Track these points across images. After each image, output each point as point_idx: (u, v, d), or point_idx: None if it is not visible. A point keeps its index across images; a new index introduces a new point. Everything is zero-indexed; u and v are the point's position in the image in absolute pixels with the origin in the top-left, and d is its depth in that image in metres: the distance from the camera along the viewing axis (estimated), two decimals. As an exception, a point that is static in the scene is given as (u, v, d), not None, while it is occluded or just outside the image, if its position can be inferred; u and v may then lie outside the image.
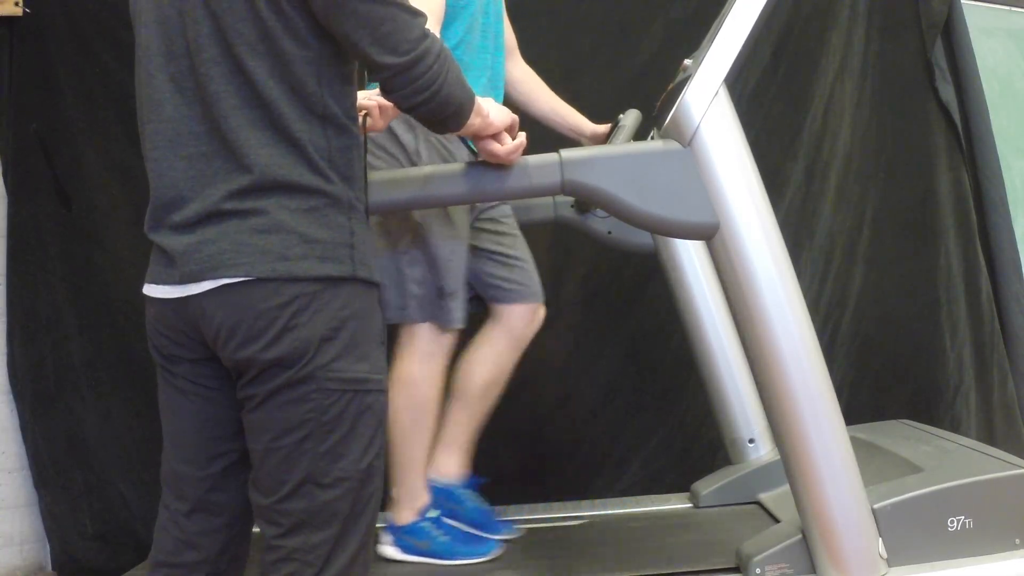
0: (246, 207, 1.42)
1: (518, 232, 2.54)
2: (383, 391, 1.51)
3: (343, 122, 1.49)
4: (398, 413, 2.32)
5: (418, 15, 1.47)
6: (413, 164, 2.26)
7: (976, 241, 3.37)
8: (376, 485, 1.51)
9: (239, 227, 1.41)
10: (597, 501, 2.88)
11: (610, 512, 2.63)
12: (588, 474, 3.23)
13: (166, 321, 1.50)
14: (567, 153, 1.87)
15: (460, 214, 2.35)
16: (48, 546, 3.18)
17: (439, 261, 2.32)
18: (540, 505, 2.82)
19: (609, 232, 2.75)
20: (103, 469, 3.15)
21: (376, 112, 1.78)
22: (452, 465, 2.49)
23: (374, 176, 1.87)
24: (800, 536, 2.06)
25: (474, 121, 1.63)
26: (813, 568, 2.04)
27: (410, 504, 2.40)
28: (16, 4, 3.09)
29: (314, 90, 1.45)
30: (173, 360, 1.53)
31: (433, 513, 2.41)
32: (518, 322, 2.49)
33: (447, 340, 2.37)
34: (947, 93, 3.36)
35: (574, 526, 2.64)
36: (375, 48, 1.43)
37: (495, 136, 1.74)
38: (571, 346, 3.25)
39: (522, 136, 1.79)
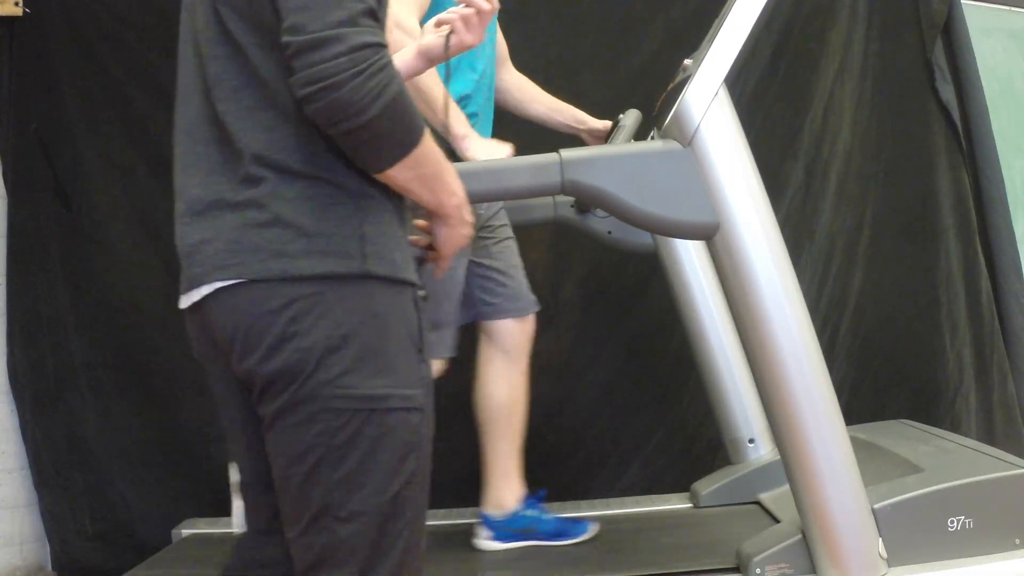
0: (241, 198, 1.25)
1: (511, 235, 2.53)
2: (414, 408, 1.29)
3: None
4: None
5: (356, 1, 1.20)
6: None
7: (976, 241, 3.37)
8: (408, 519, 1.31)
9: (234, 222, 1.25)
10: (597, 501, 2.88)
11: (610, 512, 2.63)
12: (588, 474, 3.23)
13: (191, 331, 1.41)
14: (567, 153, 1.87)
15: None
16: (48, 546, 3.18)
17: (436, 295, 2.29)
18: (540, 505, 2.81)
19: (609, 232, 2.75)
20: (103, 469, 3.14)
21: (461, 25, 1.49)
22: (509, 497, 2.51)
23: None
24: (800, 536, 2.06)
25: (420, 172, 1.28)
26: (813, 568, 2.04)
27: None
28: (16, 4, 3.09)
29: None
30: (208, 364, 1.42)
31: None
32: (508, 338, 2.50)
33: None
34: (947, 93, 3.36)
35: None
36: (286, 16, 1.19)
37: (443, 211, 1.37)
38: (571, 346, 3.24)
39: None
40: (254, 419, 1.32)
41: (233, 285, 1.25)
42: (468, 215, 1.40)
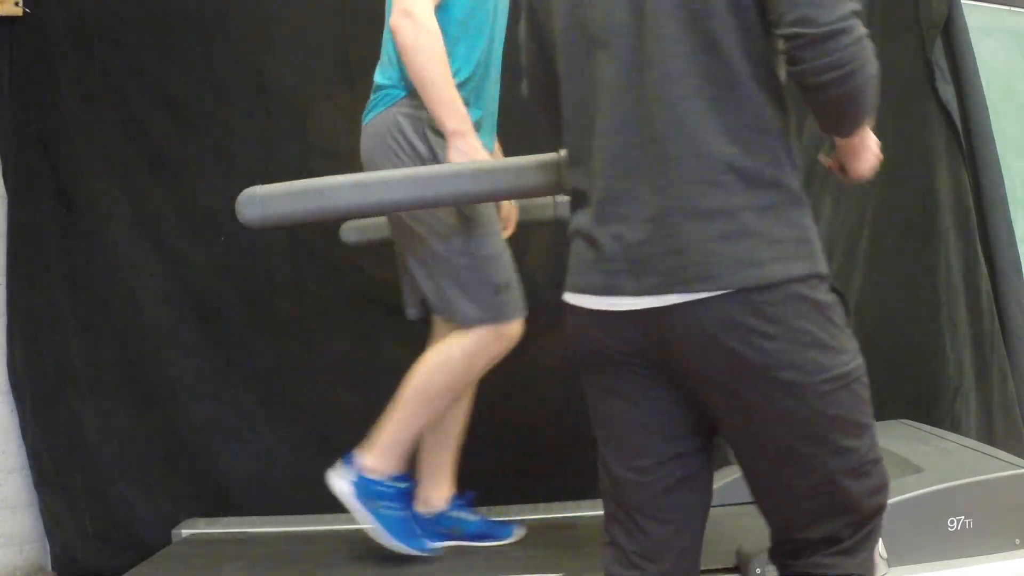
0: (707, 207, 1.30)
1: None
2: (863, 373, 1.40)
3: (785, 97, 1.36)
4: (422, 382, 2.32)
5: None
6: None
7: (976, 241, 3.37)
8: None
9: (702, 232, 1.29)
10: (597, 501, 2.87)
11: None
12: (588, 474, 3.21)
13: (613, 330, 1.40)
14: (567, 153, 1.87)
15: (487, 207, 2.33)
16: (48, 546, 3.18)
17: (487, 259, 2.30)
18: (540, 505, 2.82)
19: (609, 232, 2.75)
20: (103, 469, 3.14)
21: None
22: (438, 496, 2.52)
23: (373, 175, 1.87)
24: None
25: (862, 135, 1.44)
26: (813, 568, 2.04)
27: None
28: (16, 4, 3.09)
29: (771, 62, 1.32)
30: (619, 364, 1.43)
31: (388, 482, 2.40)
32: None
33: (507, 337, 2.35)
34: (947, 93, 3.35)
35: (574, 526, 2.64)
36: (790, 10, 1.25)
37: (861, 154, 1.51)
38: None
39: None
40: (675, 414, 1.43)
41: (715, 296, 1.30)
42: (875, 146, 1.52)
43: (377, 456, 2.38)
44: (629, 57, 1.34)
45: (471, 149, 2.19)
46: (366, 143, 2.36)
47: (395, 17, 2.18)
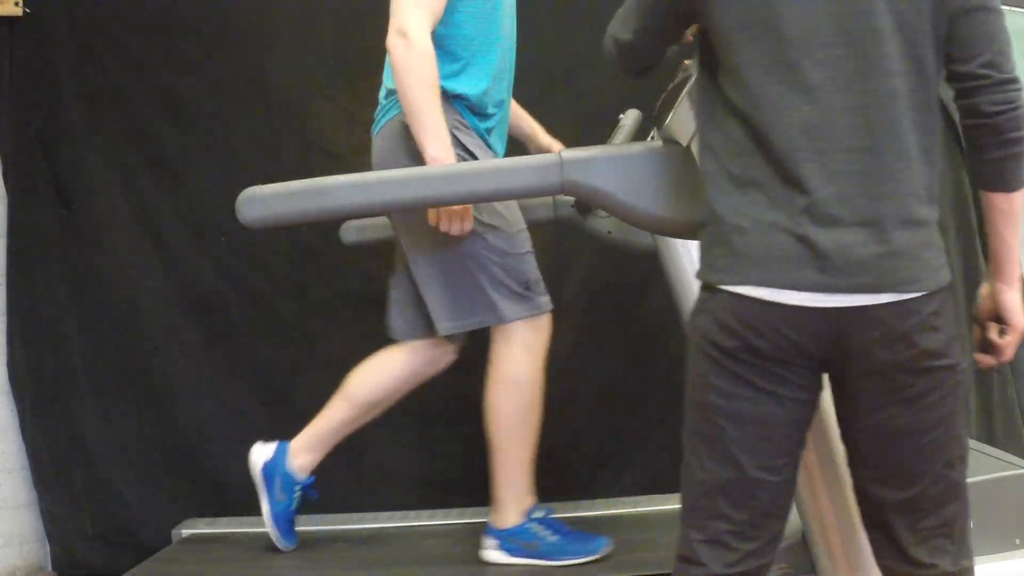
0: (917, 218, 1.46)
1: (523, 226, 2.54)
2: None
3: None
4: (503, 415, 2.34)
5: None
6: None
7: (976, 241, 3.36)
8: None
9: (919, 239, 1.46)
10: (597, 501, 2.88)
11: (610, 512, 2.63)
12: (588, 474, 3.23)
13: (802, 326, 1.46)
14: (567, 153, 1.87)
15: (511, 206, 2.36)
16: (48, 546, 3.18)
17: (513, 255, 2.32)
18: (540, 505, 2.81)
19: (609, 232, 2.75)
20: (103, 469, 3.15)
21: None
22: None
23: (372, 175, 1.87)
24: (800, 536, 2.06)
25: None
26: (813, 568, 2.04)
27: (516, 506, 2.40)
28: (16, 4, 3.09)
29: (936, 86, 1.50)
30: (775, 362, 1.48)
31: (539, 513, 2.41)
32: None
33: (544, 328, 2.37)
34: (947, 93, 3.35)
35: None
36: (983, 52, 1.48)
37: None
38: (571, 346, 3.24)
39: None
40: (810, 415, 1.55)
41: (914, 298, 1.46)
42: None
43: (505, 511, 2.40)
44: (847, 65, 1.44)
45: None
46: (379, 147, 2.36)
47: (391, 36, 2.18)
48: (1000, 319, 1.63)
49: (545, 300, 2.38)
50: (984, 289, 1.66)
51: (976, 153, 1.54)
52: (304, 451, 2.51)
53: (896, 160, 1.45)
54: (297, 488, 2.52)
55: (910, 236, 1.45)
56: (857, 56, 1.44)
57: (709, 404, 1.52)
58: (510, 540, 2.40)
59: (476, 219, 2.27)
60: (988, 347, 1.66)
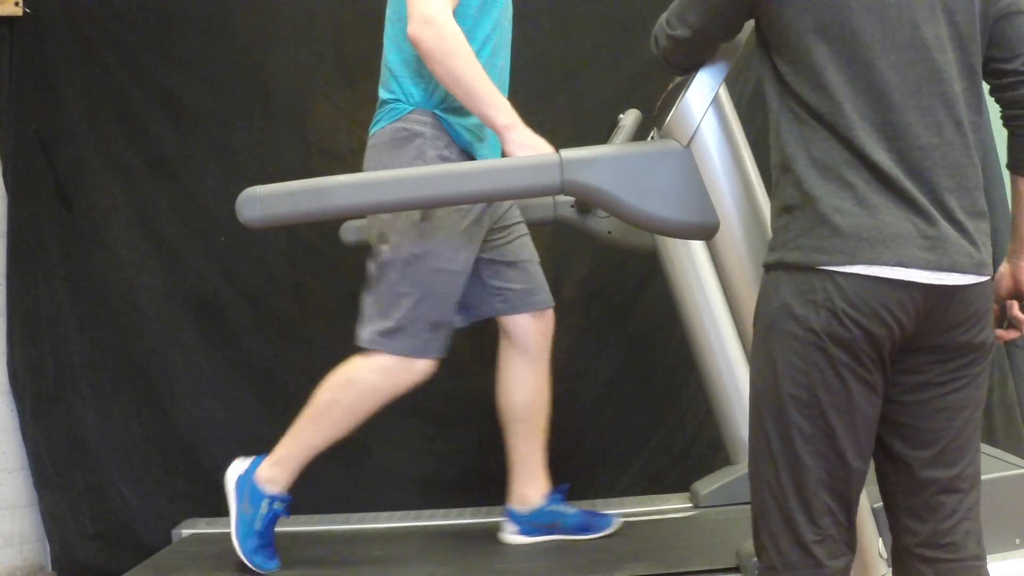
0: (981, 209, 1.58)
1: (525, 231, 2.54)
2: None
3: None
4: (334, 419, 2.35)
5: None
6: None
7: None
8: None
9: (981, 229, 1.57)
10: (597, 501, 2.88)
11: (610, 512, 2.63)
12: (588, 474, 3.23)
13: (907, 306, 1.50)
14: (567, 153, 1.87)
15: (474, 238, 2.32)
16: (48, 546, 3.18)
17: (436, 295, 2.28)
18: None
19: (609, 232, 2.75)
20: (103, 469, 3.15)
21: None
22: (533, 492, 2.53)
23: (373, 175, 1.86)
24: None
25: None
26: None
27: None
28: (16, 4, 3.09)
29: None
30: (879, 348, 1.51)
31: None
32: (525, 334, 2.48)
33: (424, 368, 2.31)
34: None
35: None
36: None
37: None
38: (571, 346, 3.24)
39: None
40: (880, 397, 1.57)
41: (984, 281, 1.57)
42: None
43: (271, 466, 2.38)
44: (917, 69, 1.52)
45: (529, 138, 2.16)
46: (368, 156, 2.35)
47: (415, 27, 2.11)
48: (1021, 296, 1.75)
49: (442, 346, 2.31)
50: (1005, 267, 1.77)
51: (1017, 139, 1.68)
52: (528, 485, 2.54)
53: (961, 157, 1.54)
54: (553, 507, 2.53)
55: (977, 225, 1.55)
56: (925, 60, 1.52)
57: (817, 401, 1.51)
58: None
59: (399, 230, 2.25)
60: (1009, 323, 1.76)
